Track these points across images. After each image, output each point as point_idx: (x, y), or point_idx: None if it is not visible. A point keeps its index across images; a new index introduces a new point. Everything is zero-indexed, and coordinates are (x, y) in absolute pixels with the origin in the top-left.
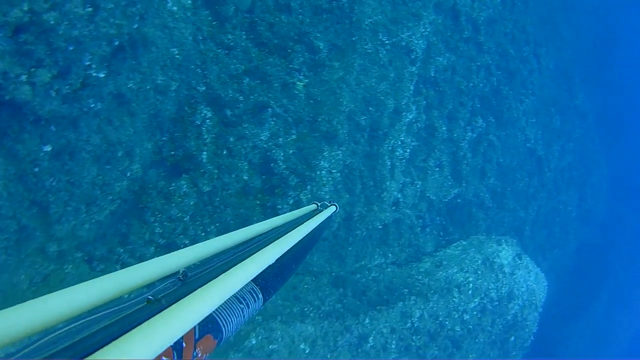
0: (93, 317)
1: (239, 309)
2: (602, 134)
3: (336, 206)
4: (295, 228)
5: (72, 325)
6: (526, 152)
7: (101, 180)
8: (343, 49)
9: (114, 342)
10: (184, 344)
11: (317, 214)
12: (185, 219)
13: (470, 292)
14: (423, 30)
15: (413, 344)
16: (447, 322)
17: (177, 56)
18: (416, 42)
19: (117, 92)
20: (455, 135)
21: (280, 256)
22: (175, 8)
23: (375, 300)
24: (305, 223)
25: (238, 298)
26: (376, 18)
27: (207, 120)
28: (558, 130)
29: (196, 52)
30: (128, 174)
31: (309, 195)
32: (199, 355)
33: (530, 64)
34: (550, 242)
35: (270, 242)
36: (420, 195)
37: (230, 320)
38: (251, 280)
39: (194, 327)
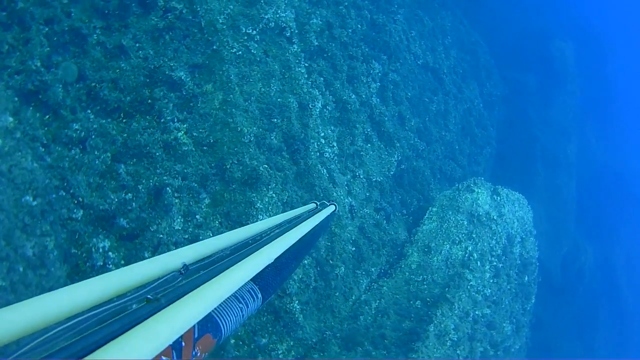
0: (92, 315)
1: (238, 309)
2: (466, 11)
3: (335, 205)
4: (294, 227)
5: (72, 323)
6: (422, 71)
7: None
8: (208, 65)
9: (113, 341)
10: (183, 344)
11: (316, 213)
12: None
13: (478, 262)
14: (279, 12)
15: (460, 355)
16: (477, 313)
17: (34, 202)
18: (284, 15)
19: None
20: (363, 96)
21: (280, 255)
22: None
23: (399, 338)
24: (304, 222)
25: (237, 297)
26: (228, 10)
27: (109, 252)
28: (432, 30)
29: (48, 172)
30: None
31: None
32: (198, 354)
33: None
34: (477, 146)
35: (269, 242)
36: (368, 185)
37: (229, 319)
38: (250, 280)
39: (193, 326)
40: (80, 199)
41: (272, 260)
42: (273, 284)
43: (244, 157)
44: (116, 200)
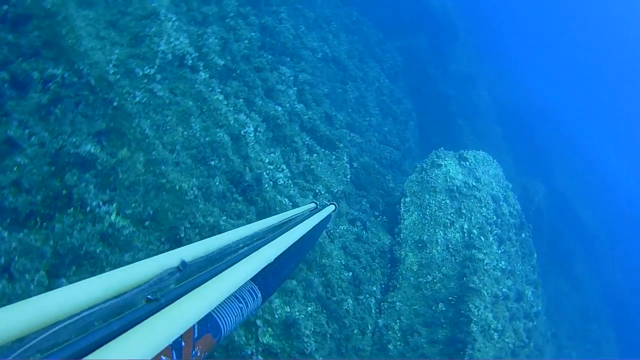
0: (92, 315)
1: (238, 308)
2: None
3: (335, 205)
4: (294, 227)
5: (71, 322)
6: (324, 64)
7: None
8: (114, 127)
9: (112, 341)
10: (182, 343)
11: (315, 212)
12: None
13: (481, 238)
14: (171, 24)
15: (509, 343)
16: (504, 290)
17: None
18: (178, 42)
19: None
20: (287, 105)
21: (280, 254)
22: None
23: (442, 351)
24: (304, 222)
25: (237, 297)
26: (115, 56)
27: None
28: (315, 20)
29: None
30: None
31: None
32: (198, 354)
33: None
34: (400, 122)
35: (269, 241)
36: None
37: (229, 319)
38: (250, 280)
39: (193, 326)
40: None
41: (273, 260)
42: (273, 283)
43: (195, 217)
44: None
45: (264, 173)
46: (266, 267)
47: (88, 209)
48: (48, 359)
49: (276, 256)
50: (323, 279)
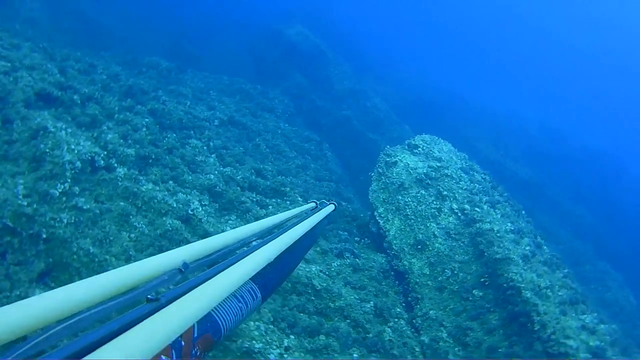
0: (92, 314)
1: (238, 308)
2: (197, 65)
3: (335, 205)
4: (294, 226)
5: (71, 322)
6: (225, 129)
7: None
8: (55, 261)
9: (112, 341)
10: (182, 343)
11: (315, 212)
12: None
13: (477, 209)
14: (64, 133)
15: (563, 295)
16: (527, 248)
17: None
18: (81, 147)
19: None
20: (216, 172)
21: (279, 254)
22: None
23: (506, 334)
24: (304, 222)
25: (237, 297)
26: (21, 187)
27: None
28: (194, 93)
29: None
30: None
31: None
32: (198, 354)
33: (101, 75)
34: (319, 157)
35: (269, 241)
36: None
37: (228, 319)
38: (250, 279)
39: (193, 326)
40: None
41: (272, 259)
42: (273, 283)
43: None
44: None
45: None
46: (266, 266)
47: None
48: (48, 359)
49: (276, 256)
50: (348, 320)
